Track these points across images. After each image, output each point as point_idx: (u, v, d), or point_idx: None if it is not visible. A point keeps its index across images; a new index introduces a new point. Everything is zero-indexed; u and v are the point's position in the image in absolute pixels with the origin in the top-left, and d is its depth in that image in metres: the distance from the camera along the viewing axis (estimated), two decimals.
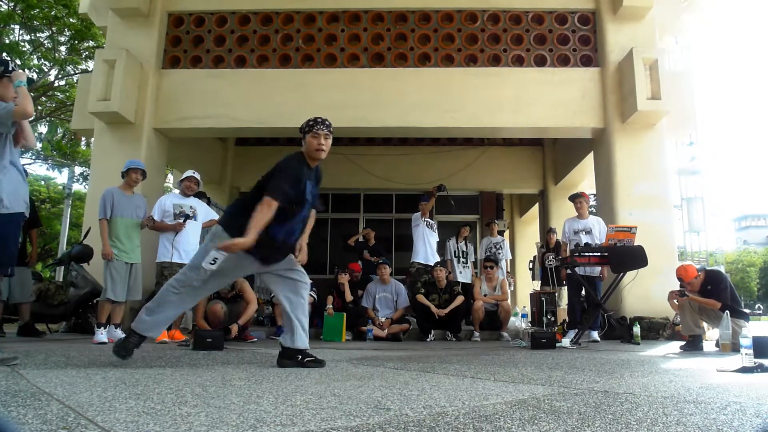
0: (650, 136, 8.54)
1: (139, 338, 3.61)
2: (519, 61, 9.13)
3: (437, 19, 9.33)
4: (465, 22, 9.28)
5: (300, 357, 3.62)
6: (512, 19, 9.28)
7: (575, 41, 9.16)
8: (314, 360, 3.64)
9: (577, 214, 7.50)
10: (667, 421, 1.85)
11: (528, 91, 8.78)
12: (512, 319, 8.04)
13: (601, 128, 8.75)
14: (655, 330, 7.57)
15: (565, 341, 6.27)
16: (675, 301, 6.31)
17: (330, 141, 3.75)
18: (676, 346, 6.07)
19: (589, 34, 9.18)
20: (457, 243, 9.37)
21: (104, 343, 5.66)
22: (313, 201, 3.75)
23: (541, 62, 9.07)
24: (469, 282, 8.98)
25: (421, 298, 7.80)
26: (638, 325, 6.65)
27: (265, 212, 3.30)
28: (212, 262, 3.42)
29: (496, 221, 10.90)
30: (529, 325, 7.97)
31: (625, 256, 6.32)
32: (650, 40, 8.79)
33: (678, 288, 6.34)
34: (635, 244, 6.40)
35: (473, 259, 9.66)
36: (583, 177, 11.58)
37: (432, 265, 8.21)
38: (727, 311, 5.41)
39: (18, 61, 14.60)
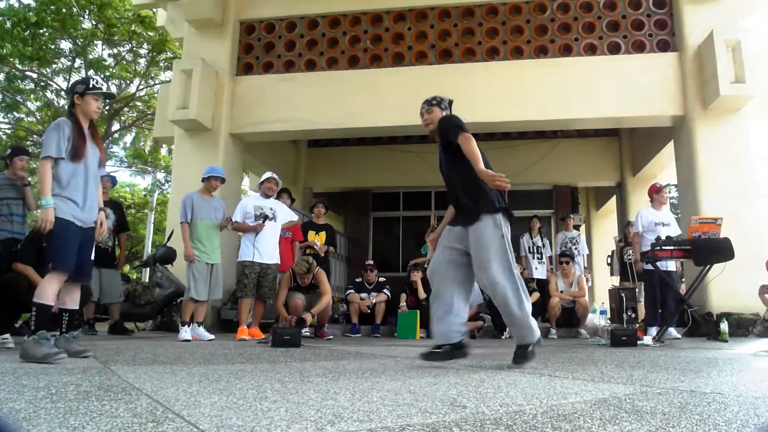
0: (735, 122, 8.08)
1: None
2: (591, 50, 8.86)
3: (505, 12, 9.17)
4: (534, 13, 9.09)
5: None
6: (583, 6, 9.01)
7: (651, 26, 8.79)
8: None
9: (654, 205, 7.25)
10: (759, 422, 1.76)
11: (602, 80, 8.51)
12: (590, 315, 7.84)
13: (681, 116, 8.37)
14: (744, 326, 7.17)
15: (647, 339, 6.06)
16: (766, 296, 5.98)
17: None
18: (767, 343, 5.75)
19: (665, 18, 8.78)
20: (531, 238, 9.21)
21: (188, 340, 5.92)
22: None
23: (614, 50, 8.77)
24: (545, 278, 8.81)
25: None
26: (726, 322, 6.33)
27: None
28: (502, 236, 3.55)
29: (572, 215, 10.62)
30: (609, 322, 7.74)
31: (710, 249, 6.03)
32: (732, 21, 8.30)
33: None
34: (721, 236, 6.10)
35: (549, 255, 9.47)
36: (663, 167, 11.09)
37: None
38: None
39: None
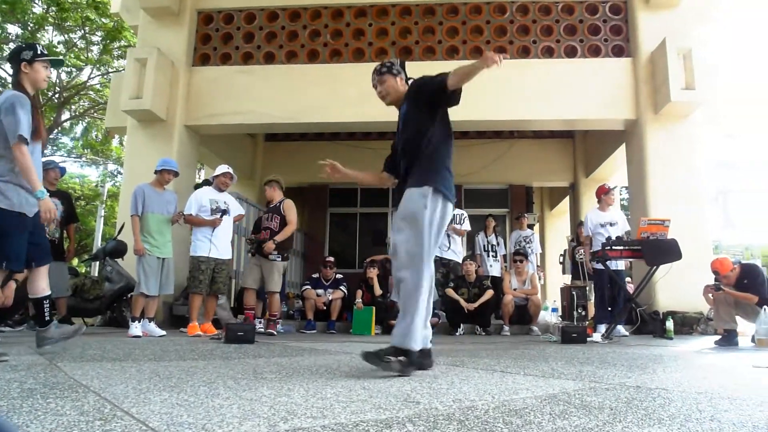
0: (684, 127, 8.34)
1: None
2: (549, 53, 9.01)
3: (465, 12, 9.25)
4: (494, 14, 9.19)
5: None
6: (541, 10, 9.16)
7: (606, 31, 8.99)
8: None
9: (601, 206, 7.43)
10: (700, 417, 1.82)
11: (558, 82, 8.65)
12: (542, 313, 8.00)
13: (633, 120, 8.59)
14: (688, 325, 7.43)
15: (596, 336, 6.21)
16: (710, 295, 6.19)
17: None
18: (710, 341, 5.95)
19: (620, 24, 9.00)
20: (486, 237, 9.32)
21: (138, 336, 5.78)
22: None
23: (571, 53, 8.94)
24: (499, 276, 8.94)
25: (450, 292, 7.79)
26: (671, 320, 6.55)
27: None
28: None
29: (526, 215, 10.80)
30: (560, 319, 7.90)
31: (659, 249, 6.22)
32: (685, 29, 8.56)
33: (713, 282, 6.21)
34: (669, 237, 6.29)
35: (503, 253, 9.61)
36: (615, 169, 11.38)
37: (446, 258, 8.17)
38: (765, 306, 5.30)
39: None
